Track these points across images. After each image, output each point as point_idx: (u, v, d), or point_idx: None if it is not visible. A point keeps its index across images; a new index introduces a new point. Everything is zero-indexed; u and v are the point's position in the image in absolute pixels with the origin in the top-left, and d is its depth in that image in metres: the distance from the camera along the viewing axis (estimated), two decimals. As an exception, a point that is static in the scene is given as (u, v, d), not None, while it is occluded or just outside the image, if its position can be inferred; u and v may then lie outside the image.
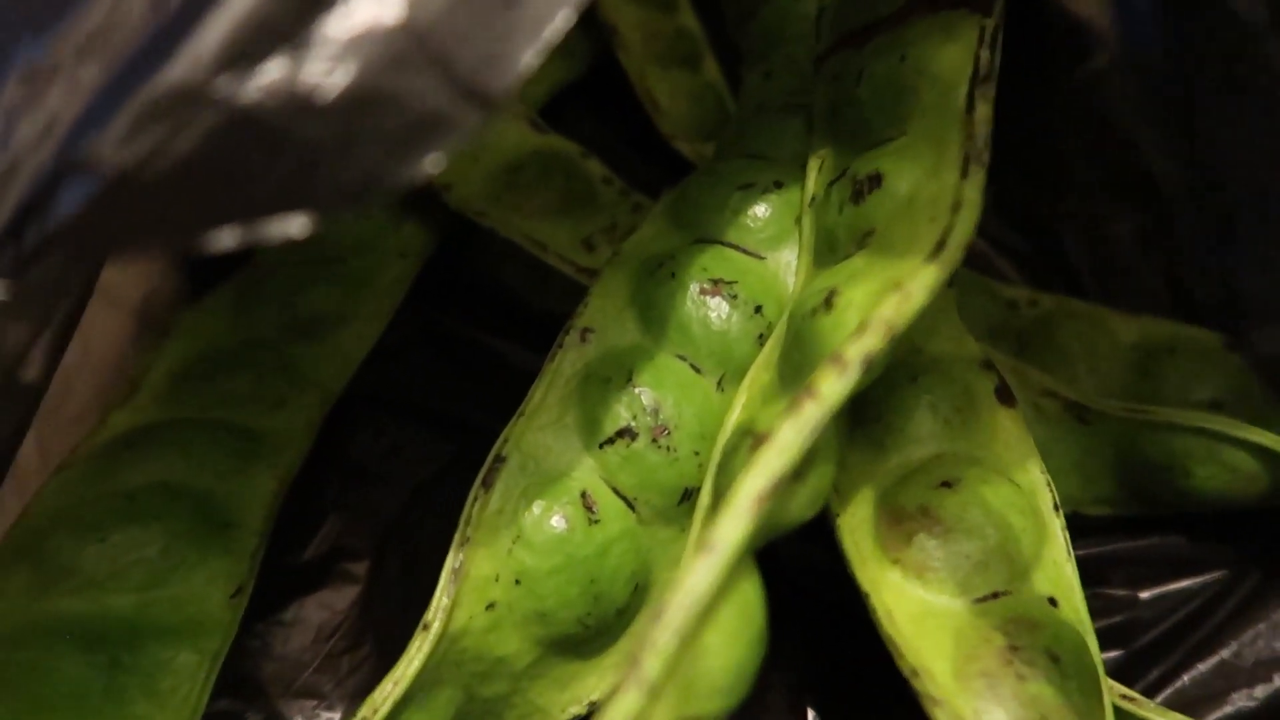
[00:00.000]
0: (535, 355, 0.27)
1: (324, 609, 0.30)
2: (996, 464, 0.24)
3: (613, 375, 0.25)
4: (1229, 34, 0.25)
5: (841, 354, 0.19)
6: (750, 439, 0.20)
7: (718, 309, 0.26)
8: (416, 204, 0.35)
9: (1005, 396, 0.25)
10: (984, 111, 0.22)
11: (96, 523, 0.26)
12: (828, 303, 0.22)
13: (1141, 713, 0.23)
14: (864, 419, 0.25)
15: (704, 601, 0.16)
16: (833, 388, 0.19)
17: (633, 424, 0.25)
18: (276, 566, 0.29)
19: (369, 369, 0.33)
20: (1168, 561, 0.30)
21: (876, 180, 0.23)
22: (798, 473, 0.19)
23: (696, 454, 0.25)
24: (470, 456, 0.26)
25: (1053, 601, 0.23)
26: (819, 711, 0.28)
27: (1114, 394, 0.31)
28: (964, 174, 0.21)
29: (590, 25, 0.39)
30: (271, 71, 0.14)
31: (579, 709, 0.26)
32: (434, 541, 0.26)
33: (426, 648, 0.23)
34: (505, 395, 0.27)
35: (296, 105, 0.14)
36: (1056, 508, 0.24)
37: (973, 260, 0.36)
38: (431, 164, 0.15)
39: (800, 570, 0.29)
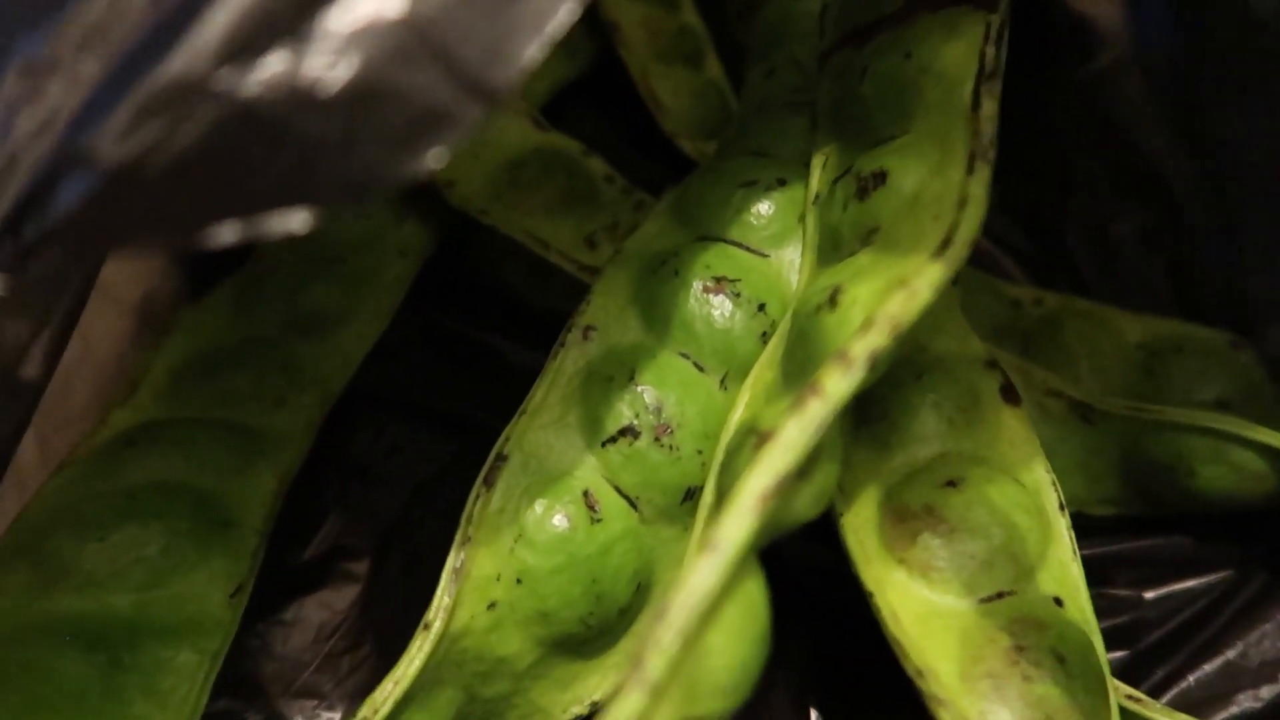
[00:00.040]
0: (537, 354, 0.27)
1: (324, 608, 0.30)
2: (1001, 463, 0.24)
3: (615, 373, 0.25)
4: (1239, 27, 0.25)
5: (847, 351, 0.19)
6: (754, 437, 0.20)
7: (721, 307, 0.26)
8: (418, 202, 0.34)
9: (1010, 395, 0.25)
10: (990, 108, 0.22)
11: (97, 521, 0.26)
12: (832, 300, 0.21)
13: (1147, 713, 0.23)
14: (868, 418, 0.25)
15: (707, 601, 0.16)
16: (838, 385, 0.18)
17: (635, 422, 0.25)
18: (277, 566, 0.29)
19: (370, 368, 0.33)
20: (1173, 562, 0.30)
21: (881, 177, 0.23)
22: (802, 471, 0.18)
23: (699, 453, 0.25)
24: (471, 456, 0.26)
25: (1058, 601, 0.23)
26: (822, 712, 0.28)
27: (1119, 393, 0.31)
28: (970, 171, 0.21)
29: (592, 23, 0.39)
30: (273, 65, 0.14)
31: (581, 709, 0.25)
32: (435, 541, 0.26)
33: (427, 647, 0.23)
34: (506, 394, 0.27)
35: (298, 99, 0.14)
36: (1062, 507, 0.24)
37: (977, 259, 0.36)
38: (434, 159, 0.15)
39: (804, 570, 0.29)
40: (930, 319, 0.25)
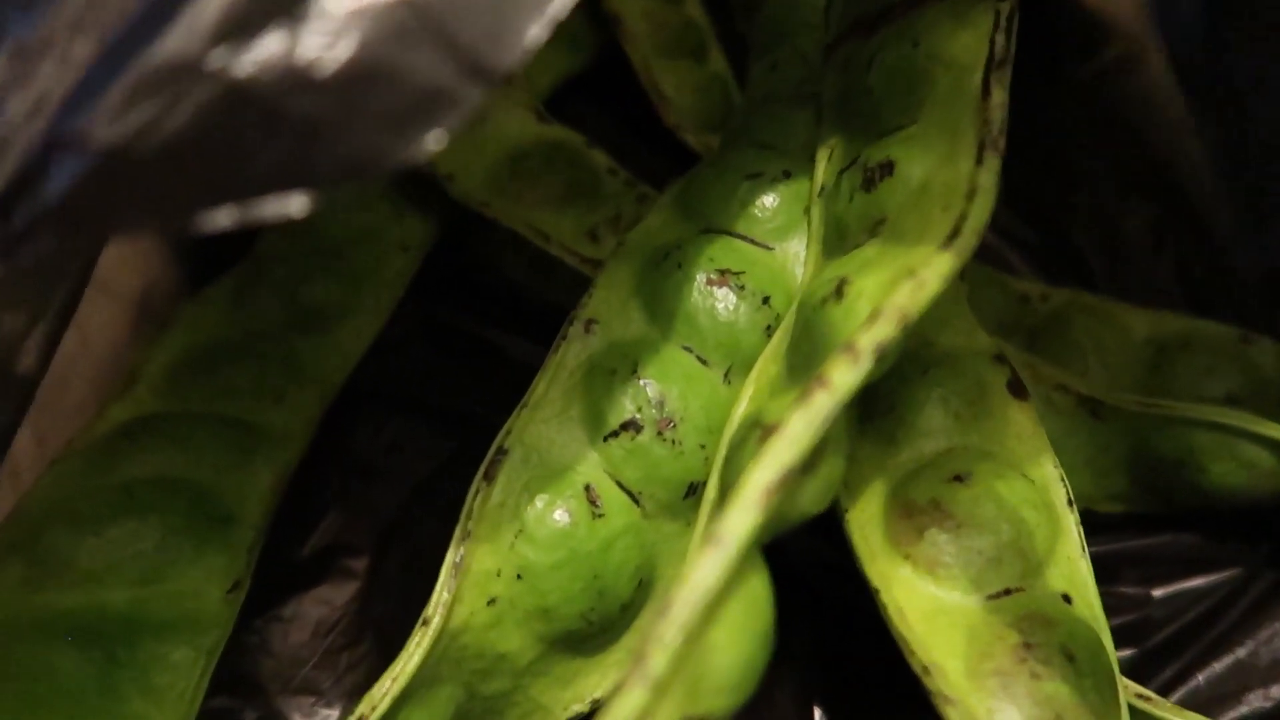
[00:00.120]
0: (538, 349, 0.27)
1: (323, 605, 0.29)
2: (1009, 458, 0.24)
3: (617, 367, 0.25)
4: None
5: (854, 343, 0.18)
6: (759, 431, 0.20)
7: (725, 300, 0.25)
8: (418, 196, 0.34)
9: (1018, 390, 0.25)
10: (999, 97, 0.21)
11: (93, 516, 0.25)
12: (838, 292, 0.21)
13: (1157, 712, 0.23)
14: (874, 412, 0.25)
15: (710, 596, 0.16)
16: (844, 377, 0.18)
17: (638, 416, 0.24)
18: (275, 562, 0.29)
19: (370, 363, 0.33)
20: (1181, 559, 0.30)
21: (888, 168, 0.23)
22: (807, 465, 0.18)
23: (703, 447, 0.25)
24: (472, 452, 0.25)
25: (1067, 598, 0.22)
26: (826, 709, 0.28)
27: (1127, 389, 0.30)
28: (979, 161, 0.21)
29: (595, 16, 0.39)
30: (268, 45, 0.14)
31: (582, 707, 0.25)
32: (434, 537, 0.26)
33: (426, 644, 0.22)
34: (508, 390, 0.26)
35: (294, 80, 0.14)
36: (1070, 503, 0.24)
37: (984, 253, 0.35)
38: (433, 141, 0.14)
39: (809, 566, 0.29)
40: (937, 312, 0.25)
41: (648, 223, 0.28)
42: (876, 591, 0.22)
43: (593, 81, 0.40)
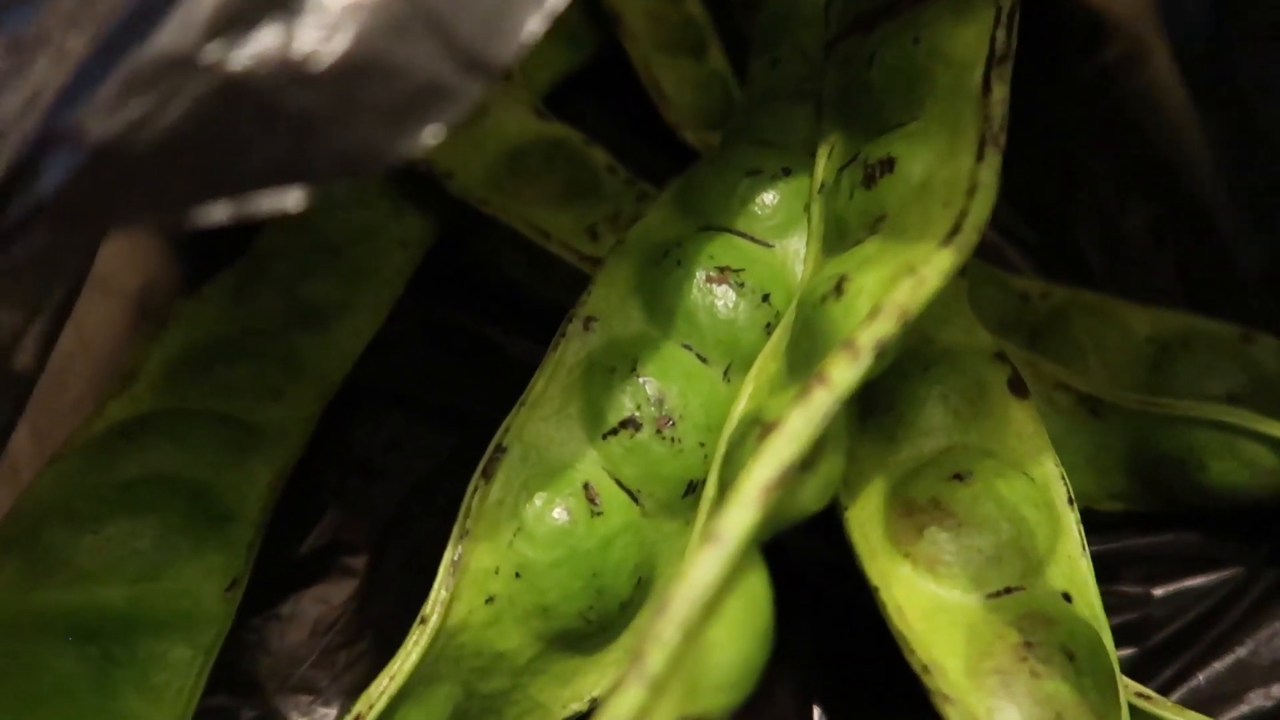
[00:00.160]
0: (538, 347, 0.27)
1: (321, 603, 0.29)
2: (1010, 456, 0.24)
3: (617, 365, 0.25)
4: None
5: (854, 340, 0.18)
6: (758, 428, 0.20)
7: (724, 297, 0.25)
8: (417, 193, 0.34)
9: (1018, 388, 0.25)
10: (1000, 93, 0.21)
11: (90, 514, 0.25)
12: (838, 289, 0.21)
13: (1158, 711, 0.23)
14: (874, 410, 0.25)
15: (709, 594, 0.16)
16: (844, 374, 0.18)
17: (637, 414, 0.24)
18: (274, 560, 0.28)
19: (369, 360, 0.32)
20: (1182, 558, 0.29)
21: (889, 164, 0.23)
22: (807, 462, 0.18)
23: (702, 445, 0.24)
24: (471, 450, 0.25)
25: (1067, 597, 0.22)
26: (826, 708, 0.28)
27: (1127, 387, 0.30)
28: (979, 157, 0.21)
29: (595, 13, 0.39)
30: (264, 39, 0.14)
31: (580, 706, 0.25)
32: (433, 536, 0.25)
33: (424, 642, 0.22)
34: (507, 388, 0.26)
35: (290, 73, 0.14)
36: (1071, 501, 0.24)
37: (984, 251, 0.35)
38: (430, 136, 0.14)
39: (808, 564, 0.29)
40: (938, 309, 0.25)
41: (647, 220, 0.28)
42: (876, 590, 0.22)
43: (592, 79, 0.40)
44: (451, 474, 0.31)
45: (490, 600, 0.23)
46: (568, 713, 0.25)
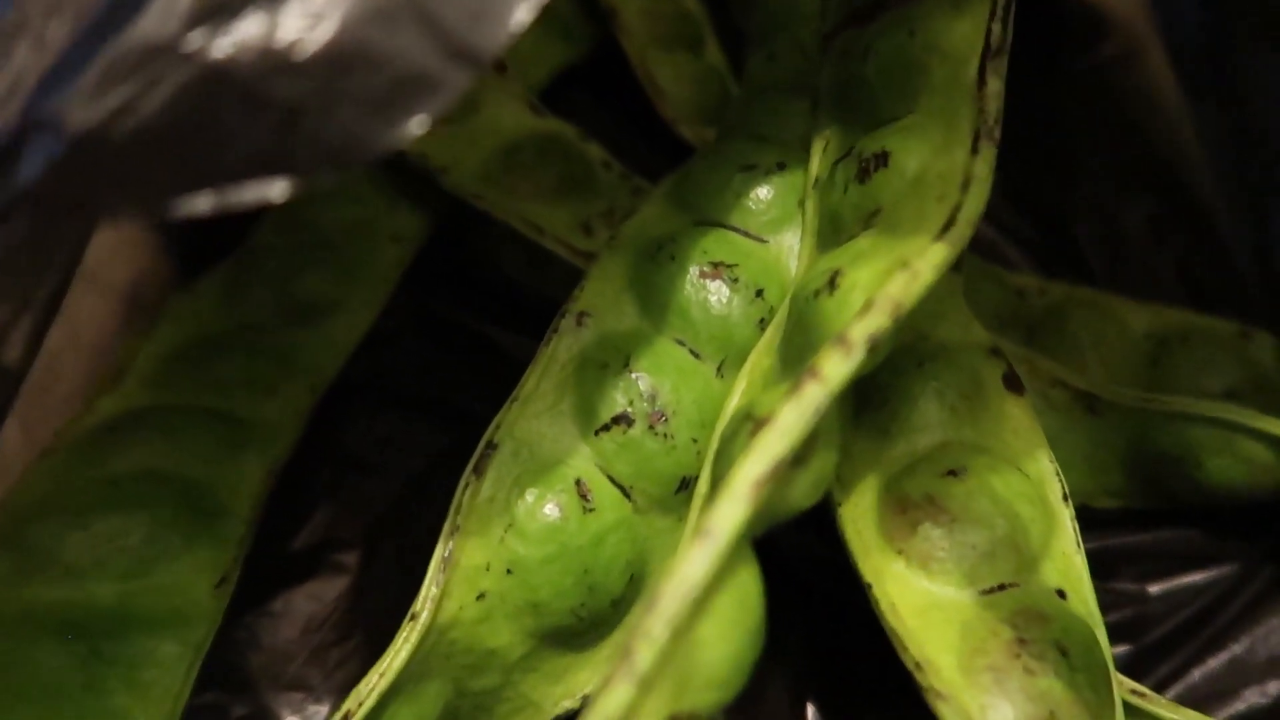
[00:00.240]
0: (532, 343, 0.26)
1: (313, 600, 0.29)
2: (1004, 452, 0.24)
3: (609, 360, 0.25)
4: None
5: (846, 334, 0.18)
6: (750, 423, 0.20)
7: (718, 293, 0.25)
8: (412, 188, 0.34)
9: (1013, 384, 0.25)
10: (995, 86, 0.21)
11: (80, 509, 0.25)
12: (831, 284, 0.21)
13: (1152, 708, 0.22)
14: (868, 406, 0.24)
15: (699, 590, 0.16)
16: (836, 369, 0.18)
17: (629, 410, 0.24)
18: (265, 556, 0.28)
19: (362, 356, 0.32)
20: (1178, 555, 0.29)
21: (883, 159, 0.23)
22: (799, 457, 0.18)
23: (695, 441, 0.24)
24: (465, 447, 0.25)
25: (1061, 594, 0.22)
26: (819, 706, 0.27)
27: (1125, 384, 0.30)
28: (974, 150, 0.20)
29: (591, 8, 0.39)
30: (247, 27, 0.14)
31: (572, 703, 0.25)
32: (427, 533, 0.25)
33: (414, 638, 0.22)
34: (501, 384, 0.26)
35: (274, 62, 0.14)
36: (1066, 498, 0.23)
37: (982, 248, 0.35)
38: (416, 126, 0.14)
39: (801, 561, 0.29)
40: (932, 305, 0.24)
41: (641, 215, 0.28)
42: (869, 586, 0.22)
43: (588, 74, 0.39)
44: (445, 471, 0.31)
45: (481, 597, 0.23)
46: (559, 710, 0.25)
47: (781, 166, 0.27)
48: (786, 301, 0.24)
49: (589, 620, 0.24)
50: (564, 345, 0.25)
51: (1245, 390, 0.29)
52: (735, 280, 0.25)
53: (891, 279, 0.19)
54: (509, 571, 0.23)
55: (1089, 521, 0.27)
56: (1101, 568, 0.27)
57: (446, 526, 0.23)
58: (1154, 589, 0.29)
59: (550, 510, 0.23)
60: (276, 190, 0.14)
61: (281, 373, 0.30)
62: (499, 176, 0.33)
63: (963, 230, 0.19)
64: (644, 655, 0.15)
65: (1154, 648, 0.28)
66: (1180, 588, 0.29)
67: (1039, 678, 0.20)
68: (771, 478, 0.17)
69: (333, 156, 0.14)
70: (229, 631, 0.27)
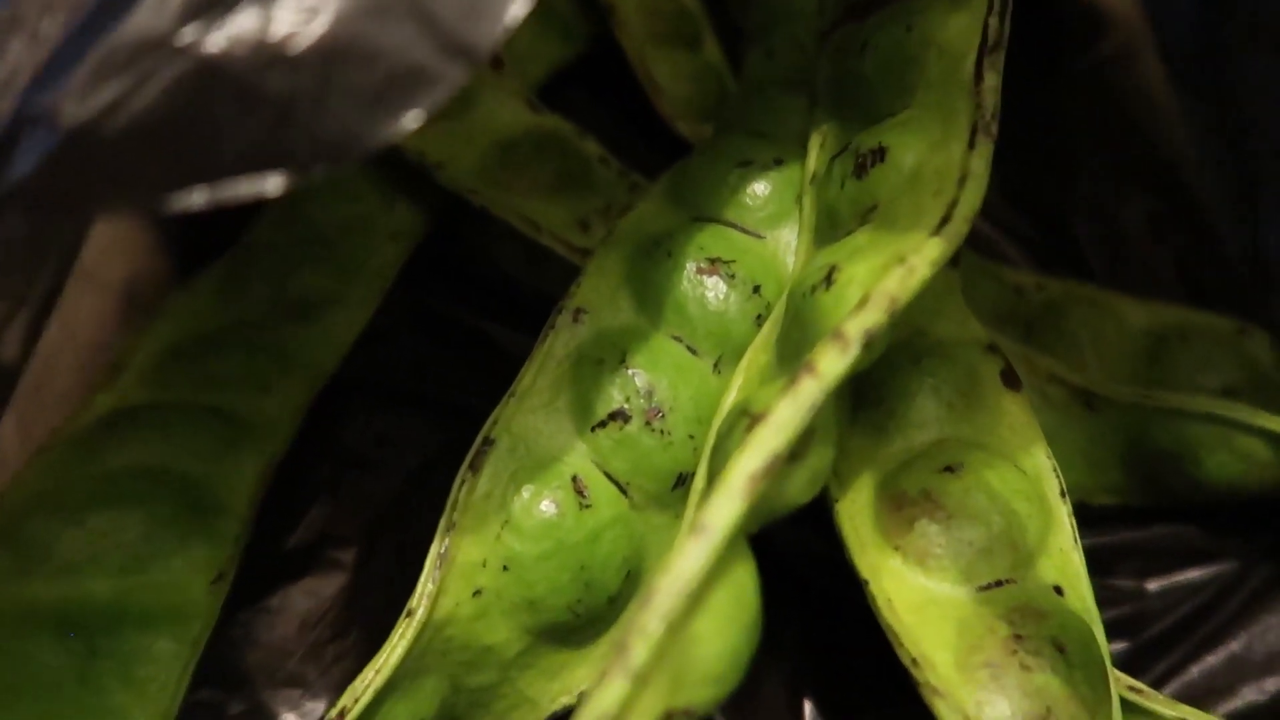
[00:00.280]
0: (529, 339, 0.26)
1: (310, 597, 0.29)
2: (1001, 449, 0.24)
3: (606, 356, 0.25)
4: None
5: (842, 330, 0.18)
6: (746, 419, 0.20)
7: (715, 289, 0.25)
8: (409, 184, 0.34)
9: (1011, 380, 0.25)
10: (992, 81, 0.21)
11: (76, 506, 0.25)
12: (828, 279, 0.21)
13: (1150, 705, 0.22)
14: (865, 402, 0.24)
15: (694, 585, 0.16)
16: (832, 364, 0.18)
17: (626, 406, 0.24)
18: (262, 553, 0.28)
19: (359, 353, 0.32)
20: (1176, 552, 0.29)
21: (880, 154, 0.23)
22: (795, 453, 0.18)
23: (691, 437, 0.24)
24: (463, 444, 0.25)
25: (1059, 590, 0.22)
26: (816, 703, 0.27)
27: (1123, 381, 0.30)
28: (971, 146, 0.20)
29: (589, 4, 0.38)
30: (241, 21, 0.14)
31: (569, 699, 0.25)
32: (424, 530, 0.25)
33: (410, 635, 0.22)
34: (498, 380, 0.26)
35: (268, 56, 0.14)
36: (1063, 494, 0.23)
37: (980, 245, 0.35)
38: (411, 120, 0.14)
39: (797, 557, 0.28)
40: (929, 301, 0.24)
41: (638, 211, 0.28)
42: (866, 583, 0.22)
43: (586, 71, 0.39)
44: (443, 468, 0.31)
45: (478, 593, 0.23)
46: (556, 706, 0.25)
47: (779, 162, 0.27)
48: (783, 297, 0.24)
49: (585, 617, 0.24)
50: (560, 341, 0.25)
51: (1243, 387, 0.29)
52: (732, 276, 0.25)
53: (888, 274, 0.19)
54: (505, 568, 0.23)
55: (1087, 518, 0.27)
56: (1099, 564, 0.27)
57: (443, 523, 0.23)
58: (1152, 586, 0.29)
59: (547, 507, 0.23)
60: (271, 185, 0.14)
61: (278, 369, 0.30)
62: (496, 173, 0.32)
63: (959, 226, 0.19)
64: (639, 651, 0.15)
65: (1152, 644, 0.28)
66: (1178, 584, 0.29)
67: (1036, 674, 0.20)
68: (767, 473, 0.17)
69: (327, 151, 0.14)
70: (225, 628, 0.27)
